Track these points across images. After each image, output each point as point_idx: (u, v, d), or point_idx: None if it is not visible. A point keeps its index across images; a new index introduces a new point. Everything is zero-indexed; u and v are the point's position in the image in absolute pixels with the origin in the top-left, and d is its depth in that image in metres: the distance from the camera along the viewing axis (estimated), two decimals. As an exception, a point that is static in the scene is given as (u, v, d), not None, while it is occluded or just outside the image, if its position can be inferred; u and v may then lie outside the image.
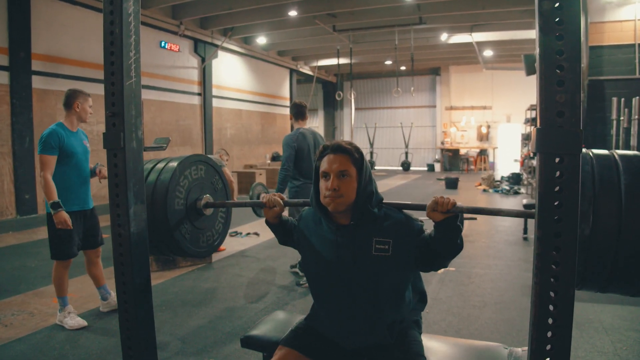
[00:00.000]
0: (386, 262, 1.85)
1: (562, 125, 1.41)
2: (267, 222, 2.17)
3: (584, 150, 1.76)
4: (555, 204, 1.43)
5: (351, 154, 1.86)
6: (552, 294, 1.46)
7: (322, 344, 2.00)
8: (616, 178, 1.69)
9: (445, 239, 1.78)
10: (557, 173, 1.43)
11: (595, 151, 1.81)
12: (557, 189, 1.43)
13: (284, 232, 2.18)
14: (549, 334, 1.48)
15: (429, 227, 1.87)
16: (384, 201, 1.96)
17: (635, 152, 1.78)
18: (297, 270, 5.33)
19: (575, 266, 1.44)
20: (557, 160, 1.43)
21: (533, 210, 1.52)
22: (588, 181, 1.69)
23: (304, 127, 5.00)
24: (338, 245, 1.91)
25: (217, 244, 2.77)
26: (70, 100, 3.86)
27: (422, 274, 2.14)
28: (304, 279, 5.02)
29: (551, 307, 1.47)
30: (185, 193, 2.50)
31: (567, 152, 1.41)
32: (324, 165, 1.87)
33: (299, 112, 5.01)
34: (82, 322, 3.85)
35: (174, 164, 2.49)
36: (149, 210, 2.33)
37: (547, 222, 1.44)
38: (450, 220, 1.76)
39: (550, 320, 1.47)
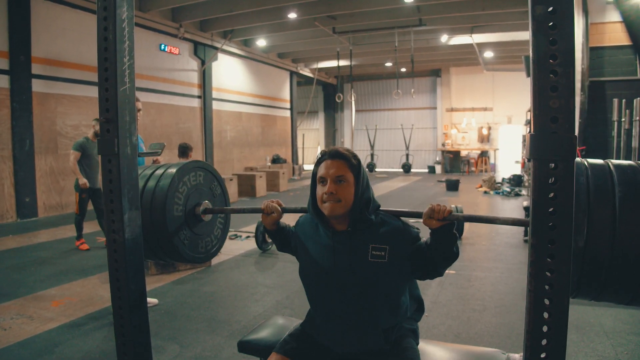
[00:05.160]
0: (382, 268, 1.84)
1: (556, 131, 1.40)
2: (264, 229, 2.19)
3: (579, 159, 1.75)
4: (550, 210, 1.42)
5: (348, 160, 1.87)
6: (546, 301, 1.45)
7: (316, 350, 1.99)
8: (611, 189, 1.68)
9: (441, 246, 1.78)
10: (552, 179, 1.41)
11: (591, 161, 1.81)
12: (551, 195, 1.42)
13: (282, 238, 2.18)
14: (544, 341, 1.46)
15: (425, 235, 1.87)
16: (380, 208, 1.97)
17: (630, 162, 1.77)
18: None
19: (569, 273, 1.43)
20: (551, 166, 1.41)
21: (528, 219, 1.52)
22: (583, 193, 1.68)
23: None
24: (334, 251, 1.91)
25: (215, 249, 2.75)
26: None
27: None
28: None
29: (546, 315, 1.46)
30: (184, 199, 2.49)
31: (561, 158, 1.40)
32: (321, 170, 1.89)
33: (182, 151, 6.72)
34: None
35: (173, 170, 2.48)
36: (148, 216, 2.33)
37: (541, 229, 1.43)
38: (447, 228, 1.76)
39: (545, 328, 1.46)
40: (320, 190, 1.88)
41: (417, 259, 1.85)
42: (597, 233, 1.65)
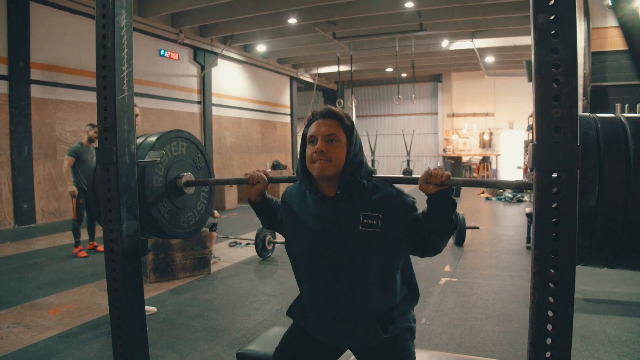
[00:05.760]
0: (374, 239, 1.72)
1: (558, 141, 1.37)
2: (249, 201, 2.07)
3: (586, 114, 1.68)
4: (553, 221, 1.40)
5: (341, 119, 1.78)
6: (550, 313, 1.42)
7: (310, 352, 1.91)
8: (624, 142, 1.55)
9: (439, 213, 1.67)
10: (554, 189, 1.39)
11: (600, 114, 1.67)
12: (554, 205, 1.40)
13: (267, 212, 2.07)
14: (548, 354, 1.44)
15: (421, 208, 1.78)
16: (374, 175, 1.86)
17: None
18: None
19: (573, 285, 1.41)
20: (554, 176, 1.39)
21: (531, 182, 1.45)
22: (593, 147, 1.54)
23: None
24: (323, 219, 1.79)
25: (198, 225, 2.63)
26: None
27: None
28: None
29: (549, 327, 1.43)
30: (164, 170, 2.38)
31: (564, 168, 1.38)
32: (312, 129, 1.79)
33: None
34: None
35: (153, 138, 2.37)
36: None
37: (544, 240, 1.41)
38: (444, 193, 1.65)
39: (548, 341, 1.43)
40: (310, 149, 1.77)
41: (413, 230, 1.73)
42: (610, 192, 1.53)
